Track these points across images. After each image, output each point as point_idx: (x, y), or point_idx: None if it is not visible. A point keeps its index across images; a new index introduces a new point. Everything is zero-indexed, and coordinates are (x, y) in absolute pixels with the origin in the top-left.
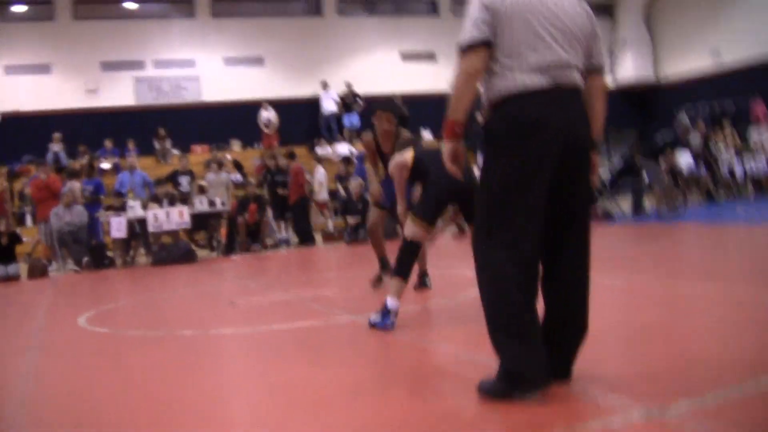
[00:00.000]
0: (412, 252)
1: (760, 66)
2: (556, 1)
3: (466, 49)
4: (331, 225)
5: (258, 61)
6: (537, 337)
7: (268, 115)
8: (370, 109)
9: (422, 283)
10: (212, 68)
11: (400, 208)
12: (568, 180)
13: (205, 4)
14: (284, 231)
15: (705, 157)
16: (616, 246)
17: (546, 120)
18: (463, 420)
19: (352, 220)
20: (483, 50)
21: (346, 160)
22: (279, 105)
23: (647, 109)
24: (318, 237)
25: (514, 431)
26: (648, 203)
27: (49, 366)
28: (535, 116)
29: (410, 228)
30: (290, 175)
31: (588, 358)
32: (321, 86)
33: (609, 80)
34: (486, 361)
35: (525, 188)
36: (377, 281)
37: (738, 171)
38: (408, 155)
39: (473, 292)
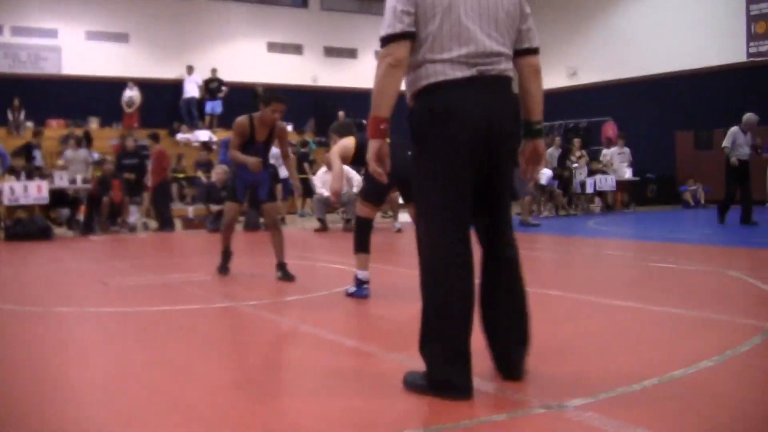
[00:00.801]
0: (365, 229)
1: (613, 87)
2: None
3: (388, 41)
4: (191, 211)
5: (122, 37)
6: (462, 349)
7: (131, 94)
8: (241, 97)
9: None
10: (74, 41)
11: (336, 185)
12: (492, 173)
13: None
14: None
15: (560, 171)
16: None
17: (463, 109)
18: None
19: (215, 207)
20: (405, 42)
21: (206, 146)
22: (142, 85)
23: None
24: (177, 223)
25: (416, 421)
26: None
27: None
28: (452, 106)
29: (360, 208)
30: (152, 157)
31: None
32: (186, 70)
33: None
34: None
35: (449, 178)
36: (223, 270)
37: (588, 187)
38: (350, 142)
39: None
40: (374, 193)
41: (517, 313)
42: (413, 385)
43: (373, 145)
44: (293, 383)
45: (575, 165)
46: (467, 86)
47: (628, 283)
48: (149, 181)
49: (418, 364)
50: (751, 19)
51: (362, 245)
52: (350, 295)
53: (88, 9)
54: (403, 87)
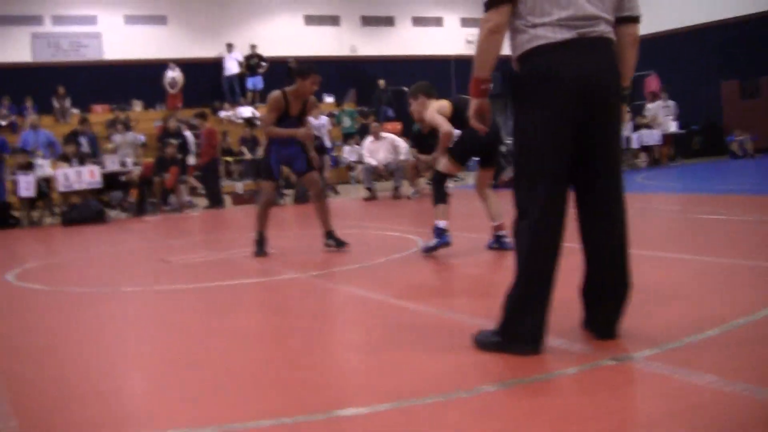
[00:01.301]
0: (442, 182)
1: (654, 40)
2: None
3: (489, 6)
4: (240, 187)
5: (161, 19)
6: (546, 306)
7: (173, 74)
8: (282, 71)
9: (333, 241)
10: (114, 26)
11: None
12: (597, 128)
13: None
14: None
15: None
16: None
17: (566, 70)
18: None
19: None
20: (505, 7)
21: (250, 122)
22: (182, 65)
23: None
24: (227, 200)
25: (493, 376)
26: None
27: (4, 327)
28: (555, 68)
29: (444, 163)
30: (202, 136)
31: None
32: (226, 48)
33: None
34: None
35: (549, 137)
36: (260, 253)
37: (634, 142)
38: (446, 103)
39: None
40: (461, 154)
41: (617, 269)
42: (484, 342)
43: (475, 103)
44: (366, 344)
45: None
46: (568, 48)
47: (680, 236)
48: (195, 159)
49: (486, 324)
50: None
51: (441, 197)
52: (431, 248)
53: None
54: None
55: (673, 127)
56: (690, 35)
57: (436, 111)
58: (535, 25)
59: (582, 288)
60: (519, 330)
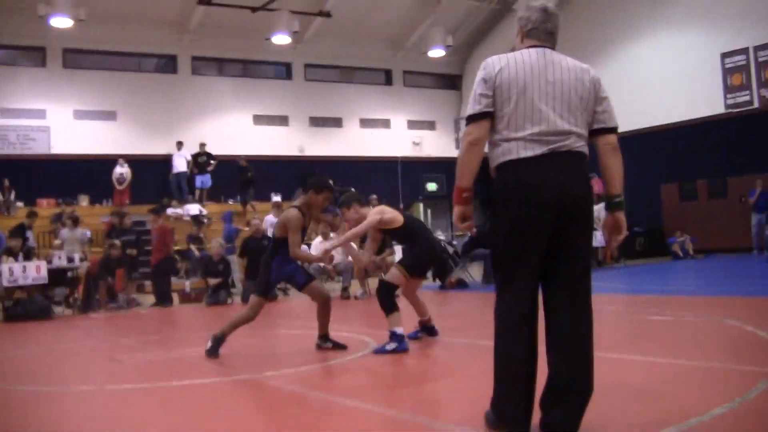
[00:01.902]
0: (391, 292)
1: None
2: (557, 69)
3: (470, 121)
4: (188, 285)
5: (110, 115)
6: (525, 389)
7: (122, 170)
8: (230, 170)
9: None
10: (63, 120)
11: (369, 256)
12: (567, 238)
13: (57, 53)
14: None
15: None
16: (471, 311)
17: (538, 184)
18: None
19: (212, 281)
20: (485, 122)
21: (197, 219)
22: (131, 161)
23: (490, 180)
24: (174, 297)
25: None
26: None
27: None
28: (528, 181)
29: (397, 276)
30: (154, 233)
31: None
32: (176, 146)
33: (455, 151)
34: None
35: (521, 247)
36: (213, 352)
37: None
38: (397, 215)
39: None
40: (418, 267)
41: (583, 366)
42: (489, 420)
43: (458, 210)
44: None
45: None
46: (539, 163)
47: (631, 337)
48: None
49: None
50: (726, 72)
51: (393, 305)
52: (389, 351)
53: (76, 88)
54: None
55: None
56: (631, 139)
57: (383, 216)
58: (508, 140)
59: (544, 390)
60: (505, 412)
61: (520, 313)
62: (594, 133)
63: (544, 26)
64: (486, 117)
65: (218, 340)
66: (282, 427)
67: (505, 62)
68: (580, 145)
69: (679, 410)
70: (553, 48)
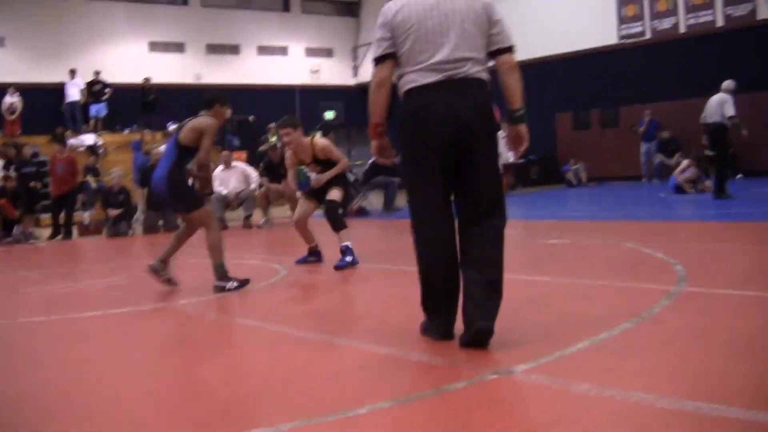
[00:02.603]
0: (337, 210)
1: (493, 73)
2: (449, 5)
3: (375, 63)
4: (87, 217)
5: None
6: (448, 299)
7: (12, 100)
8: (119, 99)
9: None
10: None
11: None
12: (464, 155)
13: None
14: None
15: None
16: (373, 238)
17: (431, 108)
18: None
19: (113, 212)
20: (387, 62)
21: (92, 150)
22: (22, 90)
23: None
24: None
25: (386, 394)
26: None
27: None
28: (422, 106)
29: (338, 194)
30: (58, 163)
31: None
32: (69, 74)
33: (353, 80)
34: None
35: (422, 166)
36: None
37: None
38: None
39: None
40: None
41: (493, 267)
42: (423, 327)
43: (375, 143)
44: (258, 369)
45: None
46: (435, 89)
47: (535, 260)
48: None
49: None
50: (620, 3)
51: (343, 222)
52: (350, 263)
53: None
54: None
55: (512, 157)
56: (528, 68)
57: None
58: (409, 72)
59: (463, 303)
60: (430, 323)
61: (436, 227)
62: (492, 55)
63: None
64: (388, 58)
65: (220, 270)
66: (197, 351)
67: (399, 5)
68: (477, 70)
69: (590, 325)
70: None
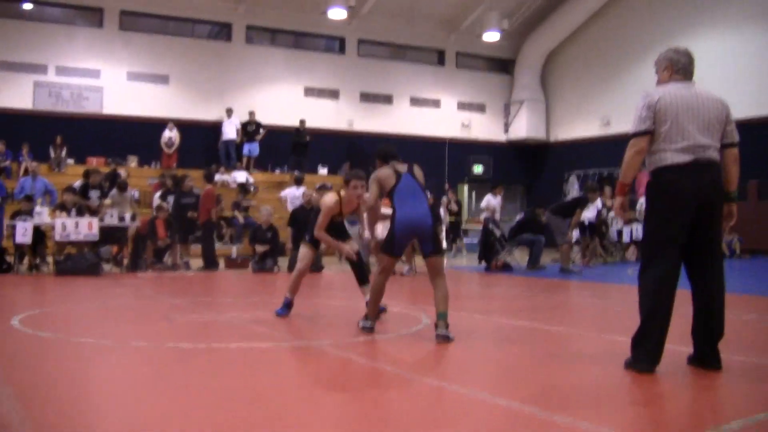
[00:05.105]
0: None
1: None
2: (699, 99)
3: (635, 135)
4: (234, 251)
5: (163, 78)
6: (660, 337)
7: (171, 134)
8: (271, 140)
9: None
10: (116, 81)
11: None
12: (703, 226)
13: (114, 15)
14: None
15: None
16: (518, 295)
17: (685, 185)
18: None
19: (260, 248)
20: (646, 137)
21: (243, 187)
22: (180, 126)
23: (536, 166)
24: (221, 263)
25: None
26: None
27: (16, 377)
28: (675, 182)
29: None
30: (200, 197)
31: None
32: (226, 113)
33: (503, 135)
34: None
35: (668, 233)
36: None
37: (625, 235)
38: (391, 174)
39: None
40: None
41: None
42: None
43: (620, 200)
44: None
45: (611, 214)
46: (688, 169)
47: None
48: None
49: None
50: None
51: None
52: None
53: (130, 51)
54: None
55: None
56: None
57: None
58: (664, 150)
59: (694, 327)
60: (640, 354)
61: (665, 283)
62: (722, 147)
63: (689, 67)
64: (648, 134)
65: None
66: (332, 392)
67: (661, 93)
68: (715, 156)
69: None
70: (692, 81)
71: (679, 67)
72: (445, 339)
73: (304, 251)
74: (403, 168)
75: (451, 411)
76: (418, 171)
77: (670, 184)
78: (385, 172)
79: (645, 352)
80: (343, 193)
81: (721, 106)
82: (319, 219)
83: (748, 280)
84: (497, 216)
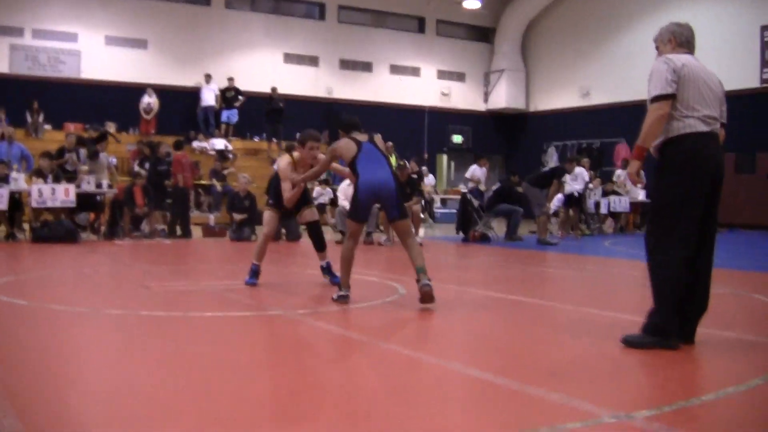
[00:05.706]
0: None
1: (625, 108)
2: (709, 74)
3: (659, 99)
4: (212, 219)
5: (141, 43)
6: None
7: (150, 100)
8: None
9: None
10: (94, 45)
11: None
12: (713, 197)
13: None
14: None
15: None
16: (494, 266)
17: (708, 154)
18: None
19: (238, 216)
20: (669, 101)
21: (222, 154)
22: (159, 91)
23: (515, 136)
24: (197, 231)
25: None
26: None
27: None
28: (703, 150)
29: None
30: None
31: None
32: (204, 79)
33: (482, 105)
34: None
35: (692, 202)
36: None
37: (603, 207)
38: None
39: None
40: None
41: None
42: (635, 342)
43: (637, 165)
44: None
45: (590, 186)
46: (709, 138)
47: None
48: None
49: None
50: (765, 45)
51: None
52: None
53: (108, 14)
54: None
55: (641, 195)
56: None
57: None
58: (687, 117)
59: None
60: (666, 331)
61: (683, 256)
62: None
63: (692, 40)
64: (672, 98)
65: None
66: (304, 360)
67: (684, 60)
68: (719, 130)
69: (716, 378)
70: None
71: (682, 41)
72: (428, 287)
73: (268, 215)
74: (363, 137)
75: (423, 381)
76: (379, 140)
77: (697, 152)
78: (343, 143)
79: (675, 326)
80: (296, 154)
81: (720, 84)
82: (283, 185)
83: (724, 253)
84: (482, 187)
